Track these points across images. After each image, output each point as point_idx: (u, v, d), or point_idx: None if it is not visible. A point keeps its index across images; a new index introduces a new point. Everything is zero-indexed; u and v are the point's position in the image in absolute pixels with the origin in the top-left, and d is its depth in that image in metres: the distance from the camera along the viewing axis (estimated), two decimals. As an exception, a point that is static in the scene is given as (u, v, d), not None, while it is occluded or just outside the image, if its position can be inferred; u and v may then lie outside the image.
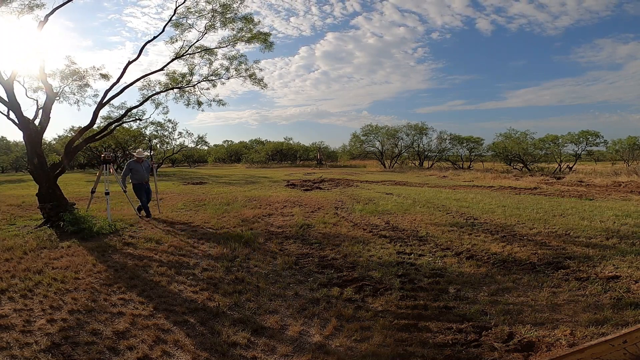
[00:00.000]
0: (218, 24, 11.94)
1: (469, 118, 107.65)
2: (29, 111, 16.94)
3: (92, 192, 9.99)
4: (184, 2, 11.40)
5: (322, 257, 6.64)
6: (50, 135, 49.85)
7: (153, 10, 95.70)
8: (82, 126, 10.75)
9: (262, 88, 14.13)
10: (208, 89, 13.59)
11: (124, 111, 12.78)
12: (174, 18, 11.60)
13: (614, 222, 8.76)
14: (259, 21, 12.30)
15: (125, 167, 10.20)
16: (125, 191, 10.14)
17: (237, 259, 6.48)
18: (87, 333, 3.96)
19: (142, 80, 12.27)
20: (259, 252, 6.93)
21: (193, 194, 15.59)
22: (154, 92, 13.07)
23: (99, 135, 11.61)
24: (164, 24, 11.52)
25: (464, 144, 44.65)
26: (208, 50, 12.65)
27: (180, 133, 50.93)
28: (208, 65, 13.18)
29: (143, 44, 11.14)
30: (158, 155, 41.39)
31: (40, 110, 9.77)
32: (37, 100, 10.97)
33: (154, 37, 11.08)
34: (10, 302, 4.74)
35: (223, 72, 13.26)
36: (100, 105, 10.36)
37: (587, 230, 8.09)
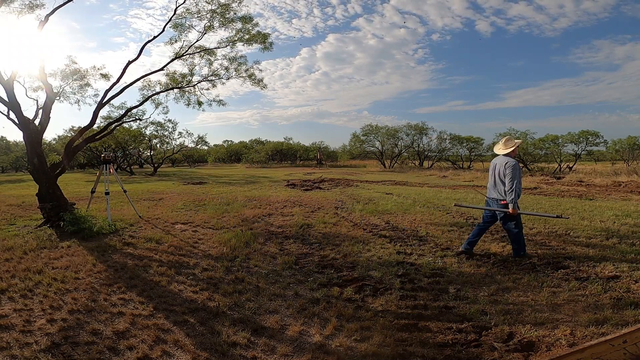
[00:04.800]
0: (217, 25, 11.94)
1: (469, 118, 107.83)
2: (29, 111, 16.94)
3: (92, 192, 9.97)
4: (183, 2, 11.40)
5: (322, 257, 6.64)
6: (50, 135, 49.83)
7: (158, 12, 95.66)
8: (82, 126, 10.74)
9: (262, 88, 14.18)
10: (208, 89, 13.59)
11: (124, 111, 12.77)
12: (173, 18, 11.61)
13: (614, 222, 8.76)
14: (257, 22, 12.31)
15: (516, 168, 6.13)
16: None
17: (237, 259, 6.48)
18: (87, 333, 3.96)
19: (142, 80, 12.28)
20: (259, 252, 6.93)
21: (193, 194, 15.58)
22: (154, 92, 13.08)
23: (99, 135, 11.57)
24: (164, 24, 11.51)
25: (464, 144, 44.60)
26: (207, 51, 12.65)
27: (180, 133, 50.89)
28: (208, 65, 13.19)
29: (143, 43, 11.16)
30: (158, 155, 41.34)
31: (40, 110, 9.75)
32: (37, 100, 10.98)
33: (154, 37, 11.07)
34: (10, 302, 4.74)
35: (223, 72, 13.27)
36: (100, 105, 10.34)
37: (587, 230, 8.09)
